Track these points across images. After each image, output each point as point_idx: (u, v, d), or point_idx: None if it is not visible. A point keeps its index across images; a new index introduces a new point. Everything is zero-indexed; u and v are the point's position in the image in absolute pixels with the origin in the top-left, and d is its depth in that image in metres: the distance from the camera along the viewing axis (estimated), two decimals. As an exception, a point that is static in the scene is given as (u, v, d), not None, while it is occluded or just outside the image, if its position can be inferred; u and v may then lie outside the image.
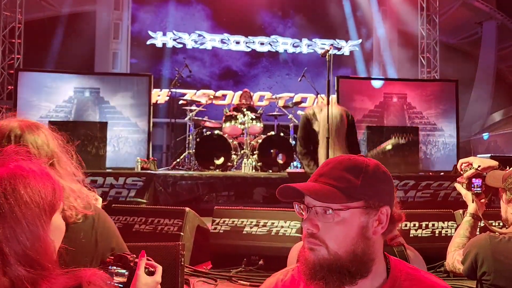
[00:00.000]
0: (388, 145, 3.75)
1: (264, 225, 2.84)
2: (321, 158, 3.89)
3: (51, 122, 6.28)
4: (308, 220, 0.98)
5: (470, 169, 1.93)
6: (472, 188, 1.92)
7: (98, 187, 5.84)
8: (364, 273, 0.97)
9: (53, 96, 6.51)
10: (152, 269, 1.35)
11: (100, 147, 6.36)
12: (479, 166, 1.92)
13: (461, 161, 2.02)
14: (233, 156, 6.48)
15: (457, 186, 2.00)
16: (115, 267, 1.32)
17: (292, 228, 2.81)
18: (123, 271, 1.30)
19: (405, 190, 6.04)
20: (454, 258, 1.82)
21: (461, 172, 1.99)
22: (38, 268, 0.87)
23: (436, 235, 2.99)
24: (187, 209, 3.13)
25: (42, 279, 0.87)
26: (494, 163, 1.96)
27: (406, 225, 2.98)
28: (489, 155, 5.71)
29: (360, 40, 10.87)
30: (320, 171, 1.02)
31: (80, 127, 6.36)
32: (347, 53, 10.87)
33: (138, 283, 1.28)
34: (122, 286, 1.30)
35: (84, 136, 6.35)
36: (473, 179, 1.92)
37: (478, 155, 6.15)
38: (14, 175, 0.90)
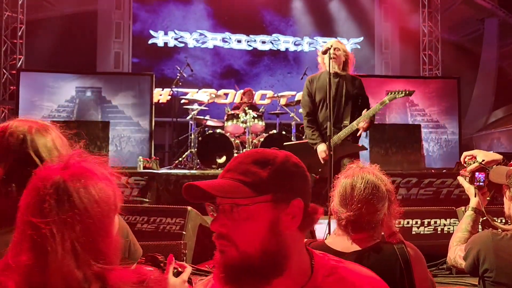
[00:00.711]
0: (385, 100, 3.68)
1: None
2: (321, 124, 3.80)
3: (53, 122, 6.30)
4: (215, 220, 0.92)
5: (474, 162, 1.91)
6: (475, 182, 1.90)
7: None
8: (278, 271, 0.90)
9: (55, 96, 6.53)
10: (181, 269, 1.40)
11: (102, 146, 6.37)
12: (483, 160, 1.90)
13: (465, 153, 1.99)
14: (235, 155, 6.48)
15: (460, 179, 1.98)
16: (148, 268, 1.32)
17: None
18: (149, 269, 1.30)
19: (408, 188, 6.03)
20: (456, 253, 1.81)
21: (464, 165, 1.97)
22: (107, 262, 0.91)
23: (439, 232, 2.98)
24: (189, 208, 3.14)
25: (110, 273, 0.91)
26: (499, 157, 1.93)
27: (408, 223, 2.98)
28: (492, 152, 5.68)
29: (362, 38, 10.85)
30: (227, 166, 0.96)
31: (82, 127, 6.38)
32: (349, 50, 10.84)
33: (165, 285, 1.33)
34: None
35: (86, 136, 6.37)
36: (477, 173, 1.90)
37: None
38: (83, 175, 0.95)
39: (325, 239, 1.77)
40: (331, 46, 3.60)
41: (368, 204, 1.49)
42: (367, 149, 3.74)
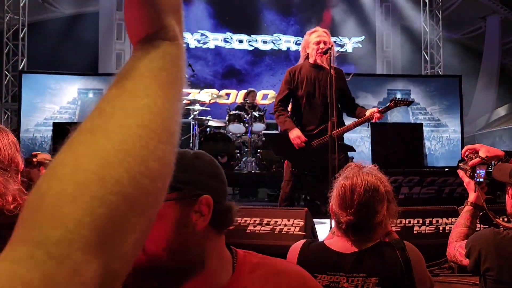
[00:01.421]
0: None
1: (267, 224, 2.84)
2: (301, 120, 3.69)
3: (55, 124, 6.33)
4: None
5: (476, 157, 1.90)
6: (476, 177, 1.88)
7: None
8: (191, 271, 0.88)
9: (57, 97, 6.54)
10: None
11: (105, 147, 6.39)
12: (486, 156, 1.88)
13: (466, 147, 1.97)
14: (237, 155, 6.49)
15: (460, 173, 1.96)
16: None
17: (295, 226, 2.81)
18: None
19: (410, 187, 6.01)
20: (456, 250, 1.81)
21: (466, 159, 1.96)
22: None
23: (440, 231, 2.98)
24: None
25: None
26: (501, 152, 1.91)
27: (409, 222, 2.97)
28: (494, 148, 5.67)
29: (363, 37, 10.83)
30: None
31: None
32: (350, 50, 10.84)
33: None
34: None
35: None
36: (477, 167, 1.88)
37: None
38: None
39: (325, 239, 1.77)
40: (332, 46, 3.56)
41: (368, 208, 1.49)
42: (355, 150, 3.69)
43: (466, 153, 1.96)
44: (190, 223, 0.89)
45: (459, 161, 2.03)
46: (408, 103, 3.70)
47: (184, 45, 0.52)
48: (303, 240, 1.64)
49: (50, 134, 6.29)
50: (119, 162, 0.37)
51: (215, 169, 0.97)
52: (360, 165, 1.61)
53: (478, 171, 1.88)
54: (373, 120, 3.55)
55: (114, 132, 0.38)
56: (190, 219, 0.88)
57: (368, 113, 3.54)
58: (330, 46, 3.54)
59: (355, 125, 3.61)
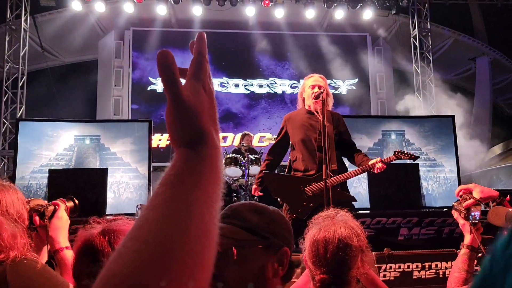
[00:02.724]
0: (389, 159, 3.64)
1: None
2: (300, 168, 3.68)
3: (51, 171, 6.31)
4: None
5: (470, 197, 1.87)
6: (471, 219, 1.85)
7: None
8: None
9: (53, 144, 6.56)
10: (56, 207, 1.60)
11: (100, 193, 6.34)
12: (480, 198, 1.86)
13: (460, 187, 1.93)
14: (234, 198, 6.44)
15: (455, 214, 1.93)
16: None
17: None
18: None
19: (409, 228, 5.94)
20: None
21: (460, 199, 1.92)
22: None
23: (440, 276, 2.92)
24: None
25: None
26: (495, 193, 1.88)
27: (408, 267, 2.92)
28: (488, 188, 5.65)
29: (357, 79, 11.06)
30: (223, 213, 1.02)
31: (81, 174, 6.38)
32: (344, 92, 11.04)
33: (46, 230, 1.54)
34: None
35: (84, 183, 6.36)
36: (472, 209, 1.85)
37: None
38: (113, 229, 1.15)
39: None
40: (324, 90, 3.62)
41: (342, 264, 1.45)
42: (356, 201, 3.65)
43: (460, 193, 1.94)
44: (269, 272, 0.96)
45: (454, 202, 2.00)
46: (413, 157, 3.67)
47: (222, 150, 0.59)
48: None
49: (45, 181, 6.26)
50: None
51: (289, 225, 1.07)
52: (333, 215, 1.57)
53: (472, 213, 1.85)
54: (375, 171, 3.52)
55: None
56: (269, 268, 0.97)
57: (370, 163, 3.52)
58: (322, 91, 3.59)
59: (356, 174, 3.59)
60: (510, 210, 1.65)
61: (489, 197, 1.85)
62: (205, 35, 0.58)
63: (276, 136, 4.01)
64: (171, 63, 0.56)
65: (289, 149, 3.88)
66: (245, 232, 0.96)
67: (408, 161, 6.82)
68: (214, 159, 0.54)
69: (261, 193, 3.78)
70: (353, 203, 3.71)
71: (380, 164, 3.45)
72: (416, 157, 3.70)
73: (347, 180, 3.68)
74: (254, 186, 3.86)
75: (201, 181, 0.51)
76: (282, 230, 1.03)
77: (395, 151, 3.61)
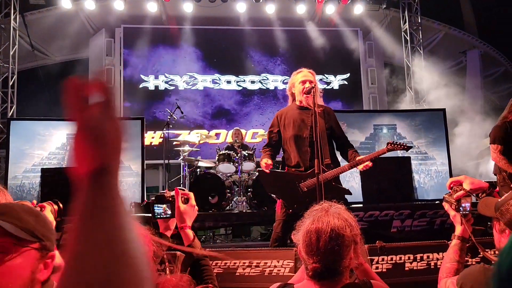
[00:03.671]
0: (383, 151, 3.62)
1: (257, 266, 2.80)
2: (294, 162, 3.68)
3: (43, 170, 6.29)
4: None
5: (460, 189, 1.88)
6: (461, 210, 1.87)
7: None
8: None
9: (46, 143, 6.53)
10: (187, 197, 1.72)
11: (94, 192, 6.33)
12: (471, 189, 1.88)
13: (451, 179, 1.96)
14: (228, 195, 6.46)
15: (446, 206, 1.95)
16: (156, 205, 1.71)
17: (285, 268, 2.78)
18: (163, 205, 1.71)
19: (402, 220, 6.01)
20: (447, 286, 1.79)
21: (451, 191, 1.96)
22: None
23: (432, 267, 2.95)
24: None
25: None
26: (484, 184, 1.92)
27: (400, 259, 2.95)
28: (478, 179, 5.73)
29: (348, 74, 11.09)
30: None
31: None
32: (336, 86, 11.07)
33: (179, 212, 1.69)
34: (169, 216, 1.71)
35: (77, 182, 6.34)
36: (462, 200, 1.88)
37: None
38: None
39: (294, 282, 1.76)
40: (315, 85, 3.63)
41: (334, 254, 1.47)
42: (351, 193, 3.66)
43: (451, 185, 1.97)
44: (38, 273, 1.03)
45: (445, 194, 2.02)
46: (406, 147, 3.64)
47: (120, 177, 0.62)
48: (277, 284, 1.64)
49: (38, 180, 6.24)
50: None
51: (54, 231, 1.15)
52: (327, 207, 1.59)
53: (463, 204, 1.88)
54: (361, 169, 3.52)
55: None
56: (39, 270, 1.03)
57: (358, 158, 3.55)
58: (313, 86, 3.60)
59: (349, 167, 3.60)
60: (499, 200, 1.68)
61: (479, 189, 1.88)
62: (104, 72, 0.63)
63: (268, 132, 4.00)
64: (79, 90, 0.59)
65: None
66: (23, 231, 1.01)
67: (400, 154, 6.89)
68: (114, 190, 0.58)
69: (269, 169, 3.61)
70: (346, 196, 3.74)
71: (369, 164, 3.48)
72: (409, 147, 3.67)
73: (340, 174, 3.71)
74: (268, 162, 3.62)
75: (105, 213, 0.55)
76: (52, 235, 1.11)
77: (388, 143, 3.61)
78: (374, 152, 3.59)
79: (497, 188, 1.86)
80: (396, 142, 3.60)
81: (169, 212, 1.72)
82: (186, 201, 1.72)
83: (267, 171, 3.58)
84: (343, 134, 3.86)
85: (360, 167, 3.48)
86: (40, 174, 6.24)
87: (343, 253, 1.48)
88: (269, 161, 3.62)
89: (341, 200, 3.54)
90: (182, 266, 1.71)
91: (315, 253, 1.47)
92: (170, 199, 1.71)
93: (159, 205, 1.72)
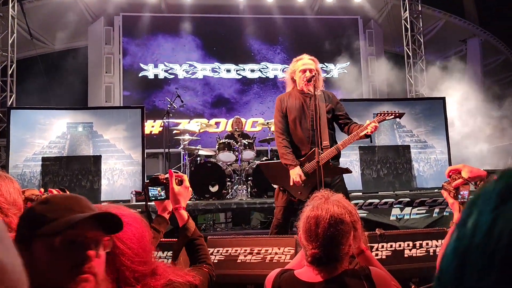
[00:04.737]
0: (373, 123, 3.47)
1: (258, 253, 2.83)
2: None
3: (44, 159, 6.31)
4: None
5: (459, 177, 1.92)
6: (459, 198, 1.90)
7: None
8: None
9: (46, 132, 6.54)
10: (180, 179, 1.77)
11: (95, 180, 6.36)
12: (469, 177, 1.91)
13: (449, 168, 2.00)
14: (228, 183, 6.49)
15: (444, 194, 1.99)
16: (151, 187, 1.75)
17: (286, 255, 2.81)
18: (157, 188, 1.75)
19: (401, 208, 6.06)
20: None
21: (449, 179, 1.98)
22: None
23: (431, 254, 3.00)
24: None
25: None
26: (483, 172, 1.95)
27: (400, 246, 2.99)
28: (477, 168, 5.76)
29: (348, 63, 11.06)
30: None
31: (74, 162, 6.38)
32: (336, 75, 11.05)
33: (173, 193, 1.73)
34: (163, 198, 1.75)
35: (78, 171, 6.37)
36: (461, 188, 1.90)
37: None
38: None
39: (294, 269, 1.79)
40: (315, 74, 3.63)
41: (333, 240, 1.50)
42: (351, 172, 3.63)
43: (450, 174, 2.00)
44: None
45: (444, 182, 2.05)
46: (398, 114, 3.53)
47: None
48: (277, 270, 1.67)
49: (39, 169, 6.27)
50: None
51: None
52: (327, 195, 1.62)
53: (461, 192, 1.91)
54: (369, 132, 3.37)
55: None
56: None
57: (360, 129, 3.43)
58: (314, 74, 3.60)
59: (344, 145, 3.49)
60: None
61: (478, 177, 1.90)
62: None
63: (275, 120, 3.92)
64: None
65: None
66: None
67: (399, 142, 6.92)
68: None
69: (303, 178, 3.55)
70: (346, 184, 3.75)
71: (373, 124, 3.34)
72: (402, 114, 3.57)
73: (339, 159, 3.72)
74: (301, 178, 3.53)
75: None
76: None
77: (377, 113, 3.51)
78: (364, 126, 3.48)
79: (495, 177, 1.88)
80: (386, 112, 3.51)
81: (163, 194, 1.77)
82: (180, 182, 1.76)
83: (300, 183, 3.52)
84: (345, 114, 3.80)
85: (369, 128, 3.35)
86: (41, 163, 6.26)
87: (342, 240, 1.51)
88: (302, 176, 3.52)
89: (339, 177, 3.57)
90: (177, 245, 1.74)
91: (314, 239, 1.50)
92: (164, 181, 1.75)
93: (153, 187, 1.76)
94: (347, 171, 3.57)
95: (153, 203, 1.81)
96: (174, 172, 1.78)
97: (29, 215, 1.07)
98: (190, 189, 1.81)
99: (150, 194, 1.77)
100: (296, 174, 3.53)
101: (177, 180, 1.75)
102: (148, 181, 1.79)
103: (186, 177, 1.80)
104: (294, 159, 3.59)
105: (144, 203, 1.85)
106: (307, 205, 1.61)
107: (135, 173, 6.66)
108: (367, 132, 3.38)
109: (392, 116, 3.49)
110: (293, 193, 3.61)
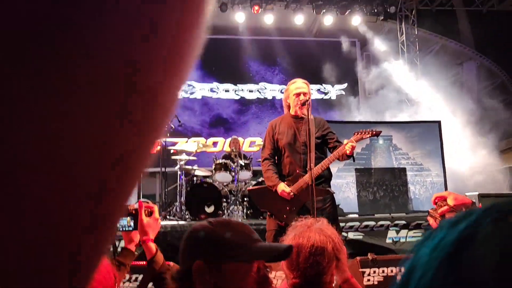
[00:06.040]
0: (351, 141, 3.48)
1: (249, 277, 2.82)
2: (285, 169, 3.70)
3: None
4: None
5: (444, 204, 1.94)
6: None
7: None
8: None
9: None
10: (150, 210, 1.73)
11: (90, 200, 6.35)
12: (454, 205, 1.94)
13: (435, 195, 2.03)
14: (224, 204, 6.48)
15: (430, 220, 2.00)
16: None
17: (277, 279, 2.80)
18: (126, 218, 1.71)
19: (397, 231, 6.05)
20: None
21: (435, 206, 2.00)
22: None
23: (423, 279, 2.98)
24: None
25: None
26: (468, 200, 1.98)
27: (392, 271, 2.98)
28: (477, 193, 5.77)
29: (346, 84, 11.16)
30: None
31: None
32: (334, 97, 11.14)
33: (142, 224, 1.69)
34: (132, 228, 1.72)
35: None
36: (447, 216, 1.93)
37: (467, 193, 6.21)
38: None
39: None
40: (309, 98, 3.68)
41: (314, 269, 1.48)
42: (334, 192, 3.64)
43: (436, 201, 2.02)
44: None
45: (430, 209, 2.08)
46: (375, 133, 3.56)
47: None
48: None
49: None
50: None
51: None
52: (310, 223, 1.60)
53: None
54: (348, 153, 3.41)
55: None
56: None
57: (340, 149, 3.49)
58: (307, 99, 3.65)
59: (324, 166, 3.52)
60: None
61: (463, 205, 1.93)
62: None
63: (264, 144, 4.00)
64: None
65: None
66: None
67: (395, 164, 6.94)
68: None
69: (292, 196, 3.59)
70: (341, 206, 3.78)
71: (349, 144, 3.38)
72: (379, 132, 3.59)
73: (330, 181, 3.74)
74: (286, 190, 3.57)
75: None
76: None
77: (354, 132, 3.54)
78: (341, 147, 3.52)
79: (480, 205, 1.91)
80: (363, 131, 3.54)
81: (132, 224, 1.74)
82: (149, 214, 1.73)
83: (287, 197, 3.56)
84: (335, 137, 3.83)
85: (347, 147, 3.37)
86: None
87: (323, 269, 1.49)
88: (287, 189, 3.58)
89: (329, 201, 3.59)
90: (143, 279, 1.73)
91: (295, 268, 1.49)
92: (134, 212, 1.72)
93: (122, 217, 1.71)
94: (328, 192, 3.58)
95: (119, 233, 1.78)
96: (145, 202, 1.76)
97: (216, 238, 1.14)
98: (159, 220, 1.78)
99: (118, 224, 1.74)
100: (281, 189, 3.56)
101: (146, 211, 1.72)
102: None
103: (156, 208, 1.77)
104: (276, 179, 3.63)
105: None
106: (289, 233, 1.61)
107: (131, 193, 6.65)
108: (345, 152, 3.41)
109: (369, 135, 3.53)
110: (279, 218, 3.62)
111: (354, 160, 3.67)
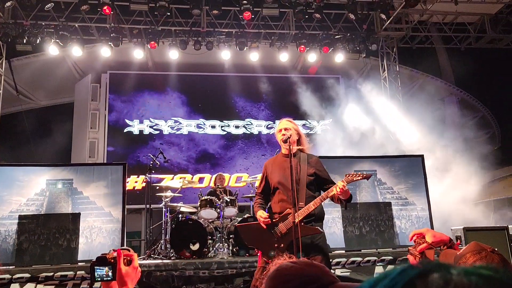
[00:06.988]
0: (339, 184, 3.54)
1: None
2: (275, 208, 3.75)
3: (20, 217, 6.18)
4: None
5: (423, 242, 1.96)
6: None
7: (68, 280, 5.61)
8: None
9: (24, 189, 6.44)
10: (129, 258, 1.69)
11: (72, 239, 6.21)
12: (432, 242, 1.96)
13: (413, 232, 2.06)
14: (209, 241, 6.39)
15: (410, 258, 2.02)
16: (97, 267, 1.66)
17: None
18: (105, 268, 1.66)
19: (384, 266, 6.00)
20: None
21: (414, 244, 2.02)
22: None
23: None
24: None
25: None
26: (446, 237, 2.00)
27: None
28: (462, 227, 5.78)
29: (331, 120, 11.31)
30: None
31: (52, 220, 6.25)
32: (319, 132, 11.27)
33: (120, 274, 1.65)
34: (110, 279, 1.66)
35: (55, 229, 6.23)
36: (426, 252, 1.94)
37: (452, 227, 6.22)
38: None
39: None
40: (291, 135, 3.74)
41: None
42: (322, 231, 3.64)
43: (414, 238, 2.04)
44: None
45: (409, 247, 2.09)
46: (366, 176, 3.62)
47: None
48: None
49: (15, 227, 6.12)
50: None
51: None
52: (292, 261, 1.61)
53: (426, 257, 1.95)
54: (339, 193, 3.45)
55: None
56: None
57: (329, 190, 3.54)
58: (288, 135, 3.71)
59: (315, 205, 3.55)
60: (458, 253, 1.74)
61: (441, 241, 1.96)
62: None
63: (259, 182, 4.09)
64: None
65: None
66: None
67: (380, 199, 6.95)
68: None
69: (268, 221, 3.65)
70: (328, 242, 3.76)
71: (340, 184, 3.44)
72: (369, 176, 3.67)
73: (323, 220, 3.74)
74: (263, 215, 3.65)
75: None
76: None
77: (346, 174, 3.60)
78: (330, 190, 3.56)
79: (458, 241, 1.94)
80: (354, 173, 3.60)
81: (110, 274, 1.68)
82: (128, 262, 1.69)
83: (264, 226, 3.60)
84: (329, 178, 3.87)
85: (337, 188, 3.43)
86: (17, 221, 6.13)
87: None
88: (264, 214, 3.67)
89: (319, 239, 3.58)
90: None
91: None
92: (112, 261, 1.68)
93: (100, 267, 1.67)
94: (316, 231, 3.56)
95: (99, 284, 1.73)
96: (124, 250, 1.73)
97: (303, 274, 1.12)
98: (139, 269, 1.74)
99: (96, 274, 1.65)
100: (259, 215, 3.67)
101: (125, 260, 1.69)
102: (94, 260, 1.71)
103: (136, 257, 1.74)
104: (258, 208, 3.79)
105: (90, 284, 1.79)
106: (269, 269, 1.59)
107: (114, 231, 6.53)
108: (334, 193, 3.45)
109: (360, 178, 3.58)
110: (266, 254, 3.59)
111: (346, 208, 3.73)
